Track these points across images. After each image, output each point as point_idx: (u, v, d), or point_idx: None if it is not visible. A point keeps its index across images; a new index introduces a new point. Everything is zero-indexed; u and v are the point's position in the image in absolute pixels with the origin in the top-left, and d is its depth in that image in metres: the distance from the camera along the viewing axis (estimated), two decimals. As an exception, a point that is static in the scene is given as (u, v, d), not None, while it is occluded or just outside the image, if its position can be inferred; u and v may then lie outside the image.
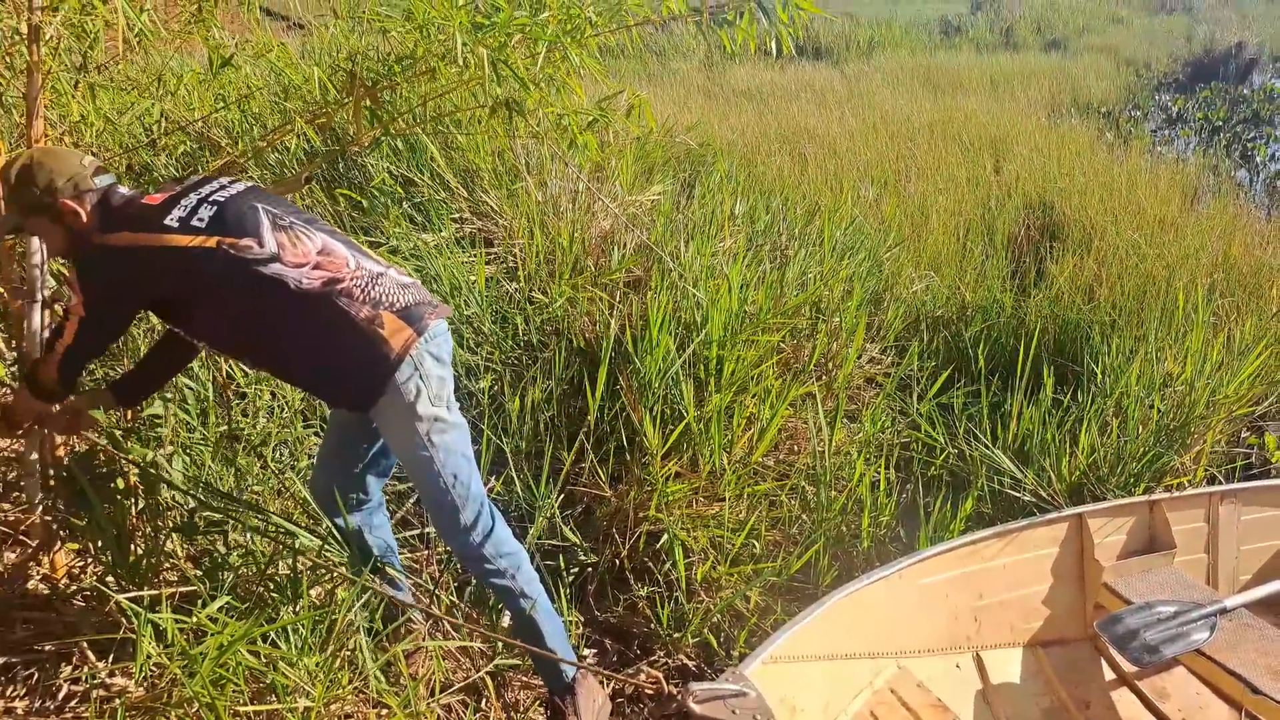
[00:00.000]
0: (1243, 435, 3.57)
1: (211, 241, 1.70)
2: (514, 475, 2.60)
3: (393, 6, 2.44)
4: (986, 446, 3.10)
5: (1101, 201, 5.51)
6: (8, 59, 2.16)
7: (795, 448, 3.23)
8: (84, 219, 1.75)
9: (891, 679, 2.14)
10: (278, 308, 1.75)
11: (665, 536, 2.49)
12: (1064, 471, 2.98)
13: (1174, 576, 2.54)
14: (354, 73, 2.33)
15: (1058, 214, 5.46)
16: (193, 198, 1.76)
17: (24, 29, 1.81)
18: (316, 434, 2.62)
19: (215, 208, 1.74)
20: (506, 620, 2.14)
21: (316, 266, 1.75)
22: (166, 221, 1.71)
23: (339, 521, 2.05)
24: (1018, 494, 2.96)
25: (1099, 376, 3.42)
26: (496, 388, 2.87)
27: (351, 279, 1.77)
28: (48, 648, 1.87)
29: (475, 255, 3.20)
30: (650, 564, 2.58)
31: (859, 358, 3.73)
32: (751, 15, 2.24)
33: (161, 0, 2.61)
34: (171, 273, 1.73)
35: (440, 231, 3.24)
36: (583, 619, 2.44)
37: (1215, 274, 4.50)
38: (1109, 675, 2.48)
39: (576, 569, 2.53)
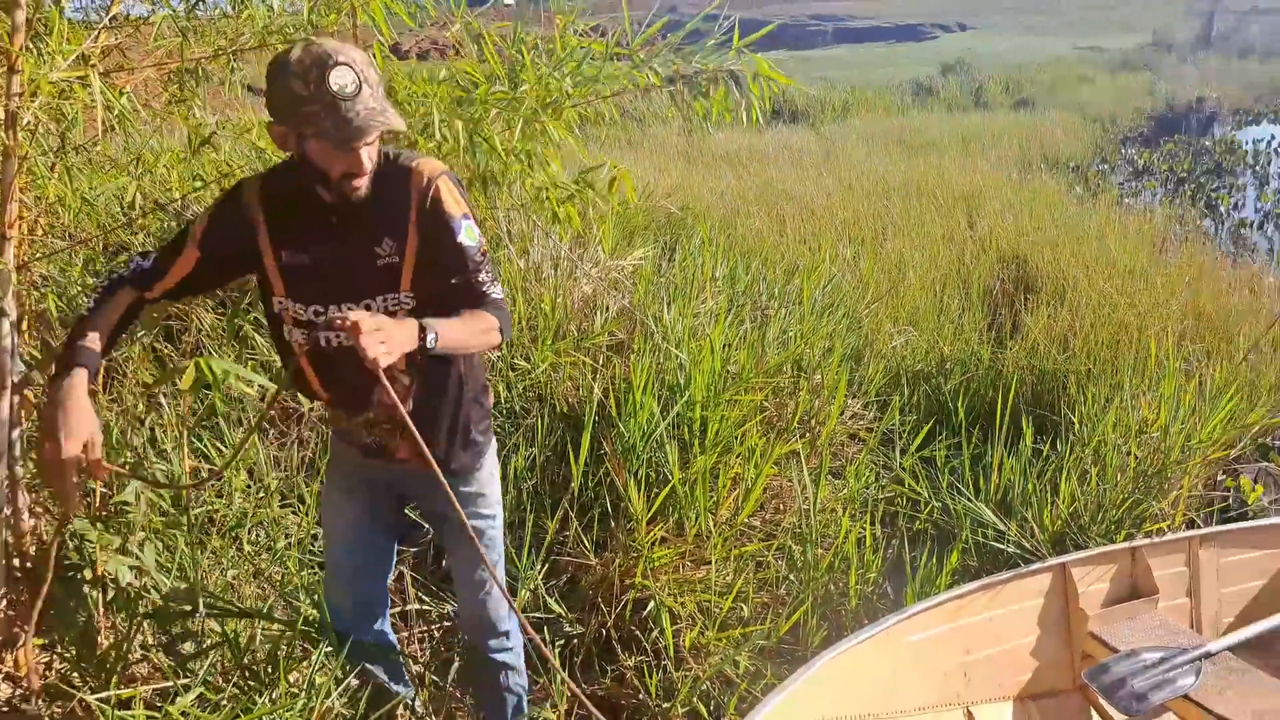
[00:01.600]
0: (1219, 479, 3.60)
1: None
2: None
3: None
4: (969, 499, 3.11)
5: (1073, 253, 5.63)
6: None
7: (781, 506, 3.24)
8: None
9: None
10: None
11: (652, 604, 2.48)
12: (1046, 521, 3.00)
13: (1158, 622, 2.52)
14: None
15: (1031, 267, 5.57)
16: None
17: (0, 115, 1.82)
18: (294, 512, 2.60)
19: None
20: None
21: None
22: None
23: (366, 638, 1.90)
24: (1001, 545, 2.97)
25: (1076, 425, 3.46)
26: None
27: None
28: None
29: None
30: (638, 632, 2.55)
31: (841, 414, 3.76)
32: (725, 86, 2.32)
33: (143, 81, 2.63)
34: None
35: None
36: (568, 693, 2.41)
37: (1185, 321, 4.59)
38: None
39: (563, 641, 2.50)
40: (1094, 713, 2.44)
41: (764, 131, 11.21)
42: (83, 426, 1.42)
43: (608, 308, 3.60)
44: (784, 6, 42.54)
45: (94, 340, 1.52)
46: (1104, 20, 42.75)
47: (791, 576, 2.86)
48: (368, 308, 1.61)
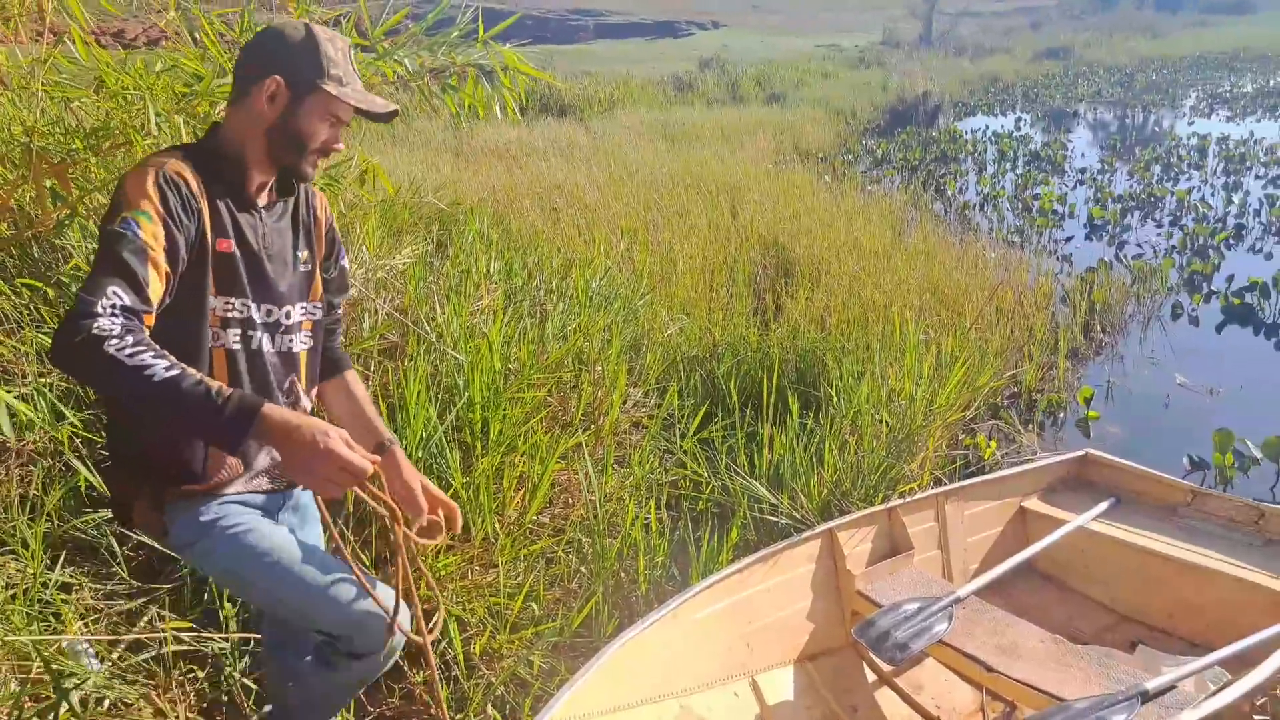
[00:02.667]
0: (959, 438, 4.02)
1: None
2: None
3: (77, 78, 2.21)
4: (745, 477, 3.25)
5: (825, 239, 6.06)
6: None
7: (569, 500, 3.24)
8: None
9: (682, 713, 2.16)
10: None
11: (437, 615, 2.39)
12: (813, 491, 3.20)
13: (915, 576, 2.74)
14: (30, 147, 2.07)
15: (789, 253, 5.93)
16: None
17: None
18: (16, 558, 2.26)
19: None
20: None
21: None
22: None
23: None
24: (775, 518, 3.13)
25: (835, 399, 3.72)
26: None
27: None
28: None
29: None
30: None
31: (623, 403, 3.82)
32: (475, 80, 2.25)
33: None
34: None
35: (157, 314, 2.95)
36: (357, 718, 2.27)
37: (923, 296, 5.07)
38: (870, 677, 2.63)
39: (345, 664, 2.35)
40: (865, 666, 2.63)
41: (533, 126, 11.20)
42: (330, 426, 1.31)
43: (376, 310, 3.43)
44: (544, 0, 42.65)
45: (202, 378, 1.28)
46: (836, 21, 46.54)
47: (582, 569, 2.87)
48: (290, 313, 1.64)
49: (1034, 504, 3.21)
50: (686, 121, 12.90)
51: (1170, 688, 2.14)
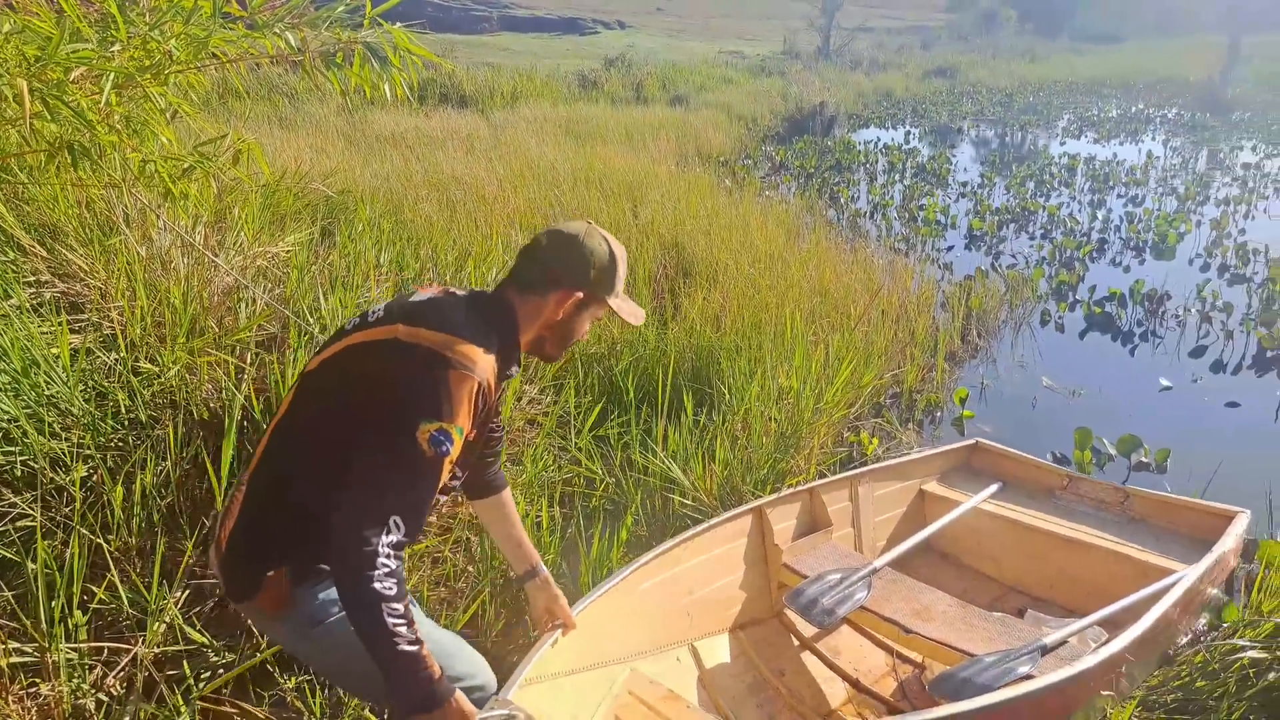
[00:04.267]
0: (844, 435, 4.13)
1: None
2: (117, 580, 2.23)
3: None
4: (639, 471, 3.25)
5: (723, 241, 6.12)
6: None
7: (457, 499, 3.16)
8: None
9: (627, 681, 2.27)
10: None
11: None
12: (706, 484, 3.22)
13: (834, 550, 3.01)
14: None
15: (688, 253, 5.97)
16: None
17: None
18: None
19: None
20: None
21: None
22: None
23: None
24: (665, 515, 3.14)
25: (727, 396, 3.76)
26: (95, 477, 2.46)
27: None
28: None
29: (59, 324, 2.73)
30: (301, 649, 2.34)
31: (519, 400, 3.76)
32: (363, 59, 2.16)
33: None
34: None
35: (8, 299, 2.72)
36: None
37: (814, 299, 5.19)
38: (795, 644, 2.87)
39: (208, 673, 2.22)
40: (791, 634, 2.92)
41: (432, 115, 10.94)
42: None
43: (254, 300, 3.27)
44: (450, -11, 41.86)
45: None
46: (738, 29, 47.36)
47: (470, 568, 2.81)
48: None
49: (932, 486, 3.58)
50: (590, 119, 12.85)
51: (1063, 643, 2.47)
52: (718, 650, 2.71)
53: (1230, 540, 3.01)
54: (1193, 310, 6.52)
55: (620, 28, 43.70)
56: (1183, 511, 3.34)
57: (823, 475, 3.61)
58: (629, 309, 1.77)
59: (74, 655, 2.06)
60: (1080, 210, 10.24)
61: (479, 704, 1.60)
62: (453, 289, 1.71)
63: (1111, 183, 11.93)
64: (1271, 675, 2.39)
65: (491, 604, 2.67)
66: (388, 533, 1.40)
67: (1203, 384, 5.36)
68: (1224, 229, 8.96)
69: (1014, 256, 8.21)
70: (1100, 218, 9.74)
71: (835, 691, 2.72)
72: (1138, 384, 4.60)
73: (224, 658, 2.26)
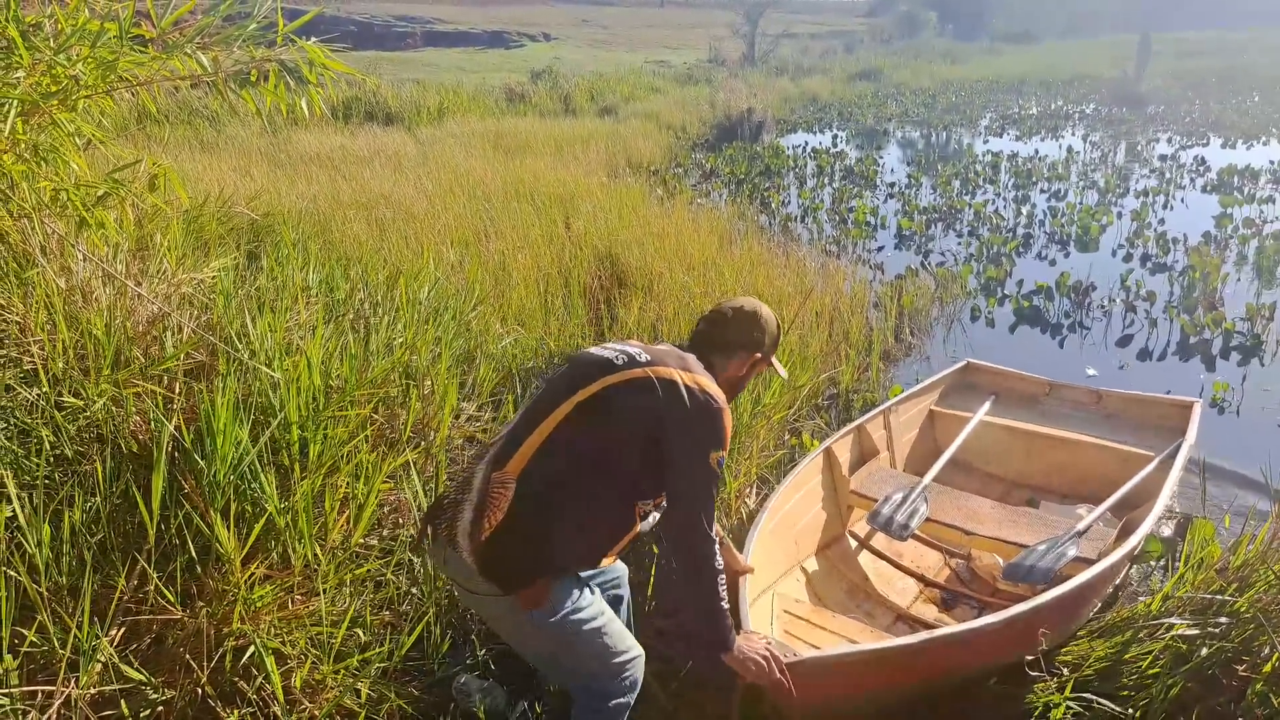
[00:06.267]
0: (786, 438, 4.19)
1: None
2: (48, 621, 2.15)
3: None
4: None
5: (656, 250, 6.17)
6: None
7: (399, 520, 3.12)
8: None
9: (779, 602, 2.79)
10: None
11: (252, 648, 2.24)
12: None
13: (885, 472, 3.55)
14: None
15: (623, 263, 6.00)
16: None
17: None
18: None
19: None
20: None
21: None
22: None
23: None
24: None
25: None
26: (18, 517, 2.36)
27: None
28: None
29: (-26, 362, 2.63)
30: (243, 683, 2.29)
31: (457, 418, 3.73)
32: (278, 76, 2.13)
33: None
34: None
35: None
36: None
37: (749, 304, 5.25)
38: (869, 555, 3.44)
39: (148, 710, 2.16)
40: (864, 548, 3.47)
41: (358, 133, 10.79)
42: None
43: (180, 328, 3.19)
44: (370, 5, 41.30)
45: None
46: (662, 38, 47.78)
47: (414, 590, 2.78)
48: None
49: (938, 407, 4.20)
50: (519, 132, 12.82)
51: (1090, 528, 3.02)
52: (820, 566, 3.26)
53: (1194, 430, 3.66)
54: (1117, 300, 6.78)
55: (546, 40, 43.71)
56: (1148, 405, 4.03)
57: (764, 480, 3.68)
58: (780, 367, 2.34)
59: (4, 701, 1.99)
60: (1005, 206, 10.57)
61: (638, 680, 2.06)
62: (660, 345, 2.16)
63: (1034, 178, 12.34)
64: (1204, 651, 2.48)
65: (437, 624, 2.65)
66: (711, 525, 1.93)
67: (1129, 371, 5.57)
68: (1144, 219, 9.33)
69: (943, 254, 8.43)
70: (1025, 213, 10.06)
71: (908, 587, 3.28)
72: (1067, 374, 4.75)
73: (164, 694, 2.19)
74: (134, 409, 2.78)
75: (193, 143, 9.29)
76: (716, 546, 1.95)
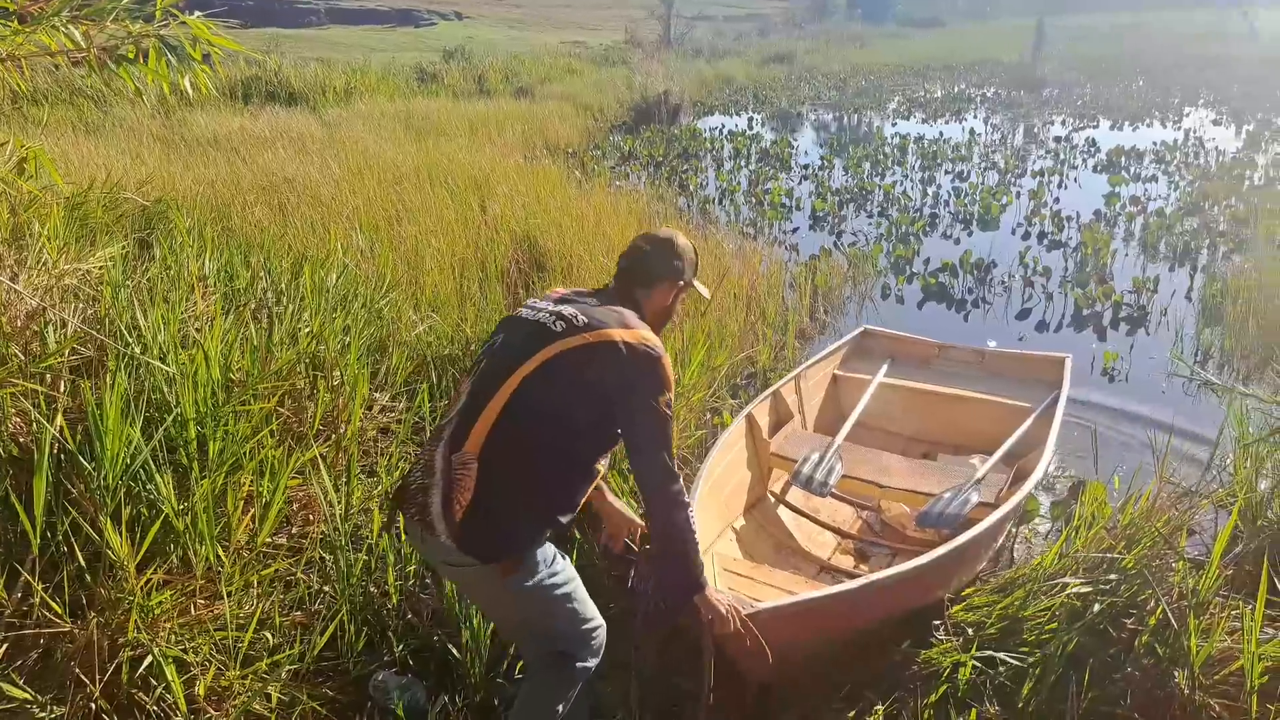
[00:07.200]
0: (708, 418, 4.20)
1: None
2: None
3: None
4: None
5: (575, 233, 6.10)
6: None
7: (310, 518, 3.01)
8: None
9: (720, 561, 2.89)
10: None
11: (150, 657, 2.12)
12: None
13: (801, 435, 3.73)
14: None
15: (541, 247, 5.92)
16: None
17: None
18: None
19: None
20: None
21: None
22: None
23: None
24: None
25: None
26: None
27: None
28: None
29: None
30: (141, 694, 2.17)
31: (369, 409, 3.62)
32: (158, 53, 1.99)
33: None
34: None
35: None
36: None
37: (667, 286, 5.24)
38: (788, 513, 3.62)
39: (34, 732, 2.03)
40: (784, 506, 3.65)
41: (259, 115, 10.35)
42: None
43: (64, 322, 2.99)
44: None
45: None
46: (577, 18, 47.38)
47: (326, 588, 2.68)
48: None
49: (841, 371, 4.47)
50: (431, 113, 12.51)
51: (986, 475, 3.30)
52: (747, 526, 3.44)
53: (1067, 382, 4.02)
54: (1016, 276, 7.03)
55: (458, 19, 42.80)
56: (1026, 362, 4.38)
57: (685, 462, 3.68)
58: (702, 288, 2.36)
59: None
60: (913, 188, 10.83)
61: (602, 646, 2.14)
62: (580, 290, 2.20)
63: (940, 160, 12.67)
64: (1096, 607, 2.61)
65: (352, 622, 2.56)
66: (673, 461, 1.98)
67: (1028, 343, 5.78)
68: (1041, 199, 9.69)
69: (855, 235, 8.60)
70: (931, 194, 10.33)
71: (826, 541, 3.50)
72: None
73: (52, 712, 2.06)
74: (12, 410, 2.60)
75: (76, 125, 8.76)
76: (682, 482, 2.01)
